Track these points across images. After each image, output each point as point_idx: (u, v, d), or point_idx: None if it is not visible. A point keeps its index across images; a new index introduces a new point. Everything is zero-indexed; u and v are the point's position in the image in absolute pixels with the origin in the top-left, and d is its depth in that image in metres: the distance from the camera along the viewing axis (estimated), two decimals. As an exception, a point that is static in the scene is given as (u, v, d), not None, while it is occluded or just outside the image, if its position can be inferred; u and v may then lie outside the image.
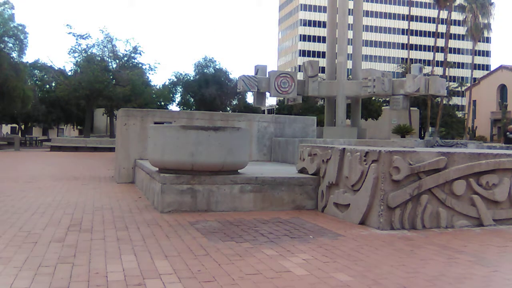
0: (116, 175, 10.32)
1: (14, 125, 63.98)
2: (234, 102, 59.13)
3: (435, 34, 57.59)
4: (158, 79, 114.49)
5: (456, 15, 71.90)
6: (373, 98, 42.66)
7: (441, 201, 5.34)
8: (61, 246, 4.19)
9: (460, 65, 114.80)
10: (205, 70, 55.56)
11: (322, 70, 23.74)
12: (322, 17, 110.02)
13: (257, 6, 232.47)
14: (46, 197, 7.39)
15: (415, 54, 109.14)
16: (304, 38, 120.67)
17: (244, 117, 11.59)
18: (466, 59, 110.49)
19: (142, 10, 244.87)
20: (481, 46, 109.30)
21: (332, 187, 6.10)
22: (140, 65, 43.09)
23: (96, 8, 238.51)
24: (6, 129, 70.15)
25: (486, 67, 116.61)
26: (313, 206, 6.52)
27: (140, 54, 42.32)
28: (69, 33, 39.64)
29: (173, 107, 55.43)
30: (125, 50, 42.37)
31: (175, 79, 56.07)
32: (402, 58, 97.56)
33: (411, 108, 51.29)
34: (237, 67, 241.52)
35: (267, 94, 22.54)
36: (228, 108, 57.50)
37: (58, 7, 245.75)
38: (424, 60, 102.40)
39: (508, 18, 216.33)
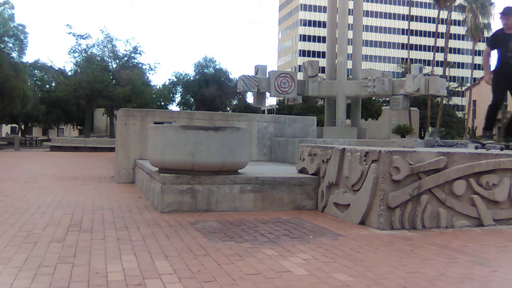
0: (116, 175, 10.32)
1: (14, 125, 64.07)
2: (234, 102, 59.26)
3: (435, 34, 57.68)
4: (158, 79, 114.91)
5: (456, 15, 71.98)
6: (373, 98, 42.68)
7: (441, 201, 5.34)
8: (61, 246, 4.18)
9: (460, 65, 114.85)
10: (205, 70, 55.69)
11: (322, 70, 23.72)
12: (322, 17, 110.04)
13: (257, 6, 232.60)
14: (46, 197, 7.38)
15: (415, 54, 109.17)
16: (304, 38, 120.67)
17: (244, 117, 11.59)
18: (466, 59, 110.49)
19: (142, 10, 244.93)
20: (481, 46, 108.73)
21: (332, 187, 6.10)
22: (140, 65, 43.18)
23: (96, 8, 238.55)
24: (6, 129, 70.16)
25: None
26: (313, 206, 6.52)
27: (140, 54, 42.46)
28: (69, 33, 39.76)
29: (173, 107, 55.55)
30: (125, 50, 42.51)
31: (175, 79, 56.18)
32: (402, 58, 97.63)
33: (411, 108, 51.31)
34: (237, 67, 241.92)
35: (267, 94, 22.53)
36: (228, 108, 57.60)
37: (58, 7, 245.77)
38: (424, 60, 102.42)
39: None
